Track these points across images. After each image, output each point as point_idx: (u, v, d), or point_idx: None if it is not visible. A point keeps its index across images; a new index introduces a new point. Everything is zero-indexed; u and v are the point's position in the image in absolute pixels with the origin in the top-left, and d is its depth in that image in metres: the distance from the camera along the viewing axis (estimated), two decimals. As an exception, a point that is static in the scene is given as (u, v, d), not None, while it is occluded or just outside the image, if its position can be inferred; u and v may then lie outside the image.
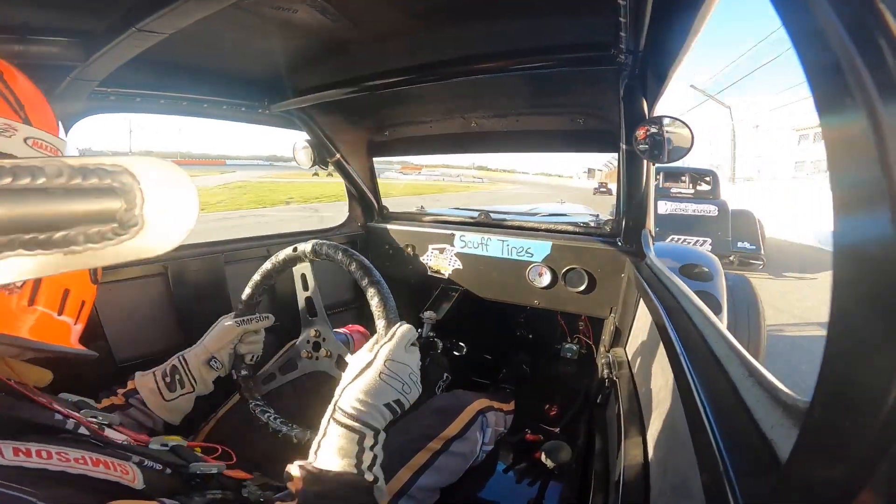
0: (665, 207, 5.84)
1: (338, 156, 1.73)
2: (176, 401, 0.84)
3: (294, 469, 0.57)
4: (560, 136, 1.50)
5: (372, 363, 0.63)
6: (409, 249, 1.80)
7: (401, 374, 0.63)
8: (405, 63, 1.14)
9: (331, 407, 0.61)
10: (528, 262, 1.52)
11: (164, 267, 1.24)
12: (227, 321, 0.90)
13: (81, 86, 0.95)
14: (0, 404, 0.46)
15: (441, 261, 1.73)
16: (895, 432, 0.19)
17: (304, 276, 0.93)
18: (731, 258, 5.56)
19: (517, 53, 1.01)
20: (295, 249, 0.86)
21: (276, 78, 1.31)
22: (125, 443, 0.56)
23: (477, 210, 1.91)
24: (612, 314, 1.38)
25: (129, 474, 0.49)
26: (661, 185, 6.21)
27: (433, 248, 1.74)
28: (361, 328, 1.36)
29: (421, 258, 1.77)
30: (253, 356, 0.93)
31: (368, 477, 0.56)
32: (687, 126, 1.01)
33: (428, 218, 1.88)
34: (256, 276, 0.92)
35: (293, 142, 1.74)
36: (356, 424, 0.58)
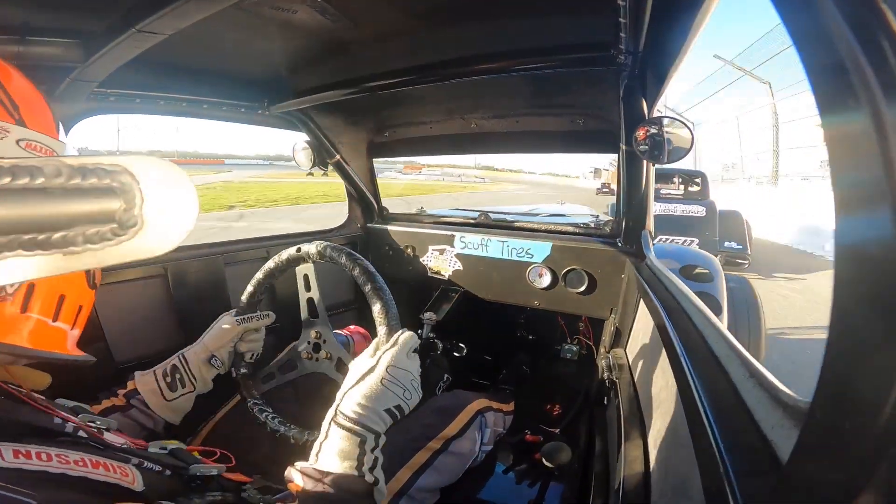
0: (655, 208, 5.86)
1: (338, 157, 1.73)
2: (177, 400, 0.84)
3: (294, 471, 0.57)
4: (560, 136, 1.50)
5: (374, 368, 0.63)
6: (409, 250, 1.79)
7: (402, 379, 0.63)
8: (405, 64, 1.14)
9: (332, 410, 0.61)
10: (528, 263, 1.52)
11: (164, 268, 1.24)
12: (227, 319, 0.90)
13: (81, 87, 0.95)
14: None
15: (441, 262, 1.72)
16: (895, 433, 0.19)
17: (306, 277, 0.93)
18: (717, 257, 5.61)
19: (517, 54, 1.01)
20: (299, 250, 0.86)
21: (275, 79, 1.31)
22: (124, 446, 0.56)
23: (477, 211, 1.91)
24: (612, 315, 1.38)
25: (129, 476, 0.48)
26: (652, 187, 6.25)
27: (433, 249, 1.74)
28: (362, 330, 1.35)
29: (421, 259, 1.77)
30: (253, 354, 0.92)
31: (369, 479, 0.56)
32: (687, 126, 1.02)
33: (428, 219, 1.88)
34: (259, 275, 0.91)
35: (293, 142, 1.74)
36: (357, 428, 0.58)
